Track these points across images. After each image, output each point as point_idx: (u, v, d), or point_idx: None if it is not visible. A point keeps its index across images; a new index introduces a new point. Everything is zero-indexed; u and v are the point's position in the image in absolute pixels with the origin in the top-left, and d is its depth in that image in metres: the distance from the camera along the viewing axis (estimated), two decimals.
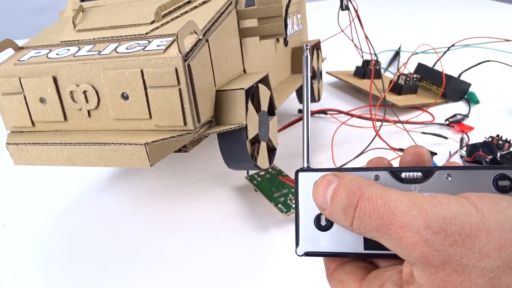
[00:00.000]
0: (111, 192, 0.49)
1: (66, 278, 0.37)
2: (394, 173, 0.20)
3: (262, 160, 0.41)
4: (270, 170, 0.47)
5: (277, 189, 0.43)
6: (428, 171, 0.20)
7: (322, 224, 0.21)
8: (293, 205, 0.40)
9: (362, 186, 0.18)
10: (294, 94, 0.66)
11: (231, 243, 0.39)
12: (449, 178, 0.20)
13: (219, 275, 0.36)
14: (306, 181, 0.22)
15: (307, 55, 0.23)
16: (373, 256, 0.21)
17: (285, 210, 0.40)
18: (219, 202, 0.45)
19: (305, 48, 0.23)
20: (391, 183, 0.20)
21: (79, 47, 0.36)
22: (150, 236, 0.42)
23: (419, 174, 0.20)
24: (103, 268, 0.38)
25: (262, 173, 0.46)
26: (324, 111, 0.64)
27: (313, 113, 0.62)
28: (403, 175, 0.20)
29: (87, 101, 0.34)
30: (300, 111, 0.67)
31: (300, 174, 0.22)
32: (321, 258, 0.23)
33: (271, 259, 0.37)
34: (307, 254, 0.21)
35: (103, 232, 0.43)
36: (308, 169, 0.22)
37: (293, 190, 0.42)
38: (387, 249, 0.18)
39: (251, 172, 0.47)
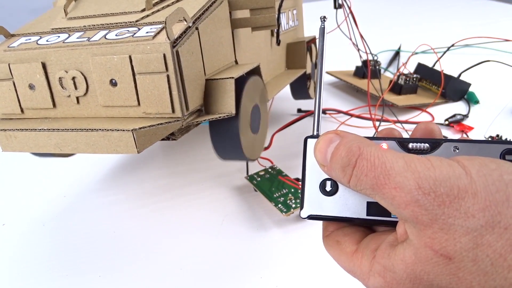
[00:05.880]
0: (111, 192, 0.50)
1: (66, 278, 0.37)
2: (401, 143, 0.21)
3: (252, 151, 0.42)
4: (270, 170, 0.47)
5: (277, 189, 0.43)
6: (436, 143, 0.20)
7: (327, 190, 0.21)
8: (293, 205, 0.40)
9: (361, 146, 0.19)
10: (290, 95, 0.66)
11: (231, 243, 0.40)
12: (456, 151, 0.20)
13: (219, 275, 0.36)
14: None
15: (324, 27, 0.23)
16: (374, 222, 0.21)
17: (285, 210, 0.40)
18: (219, 202, 0.45)
19: (322, 20, 0.24)
20: None
21: (69, 34, 0.36)
22: (150, 236, 0.42)
23: (426, 145, 0.20)
24: (103, 268, 0.38)
25: (262, 173, 0.47)
26: (323, 111, 0.64)
27: (311, 113, 0.62)
28: (410, 145, 0.21)
29: (75, 88, 0.34)
30: (300, 110, 0.67)
31: (309, 140, 0.23)
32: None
33: (271, 259, 0.37)
34: (311, 217, 0.22)
35: (103, 232, 0.43)
36: (318, 136, 0.22)
37: (292, 190, 0.42)
38: (389, 216, 0.19)
39: (251, 172, 0.47)
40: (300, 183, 0.43)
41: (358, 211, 0.21)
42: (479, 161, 0.17)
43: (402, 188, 0.17)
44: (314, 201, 0.22)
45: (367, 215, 0.21)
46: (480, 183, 0.16)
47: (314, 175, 0.22)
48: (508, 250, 0.16)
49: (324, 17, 0.24)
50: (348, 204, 0.21)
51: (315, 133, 0.23)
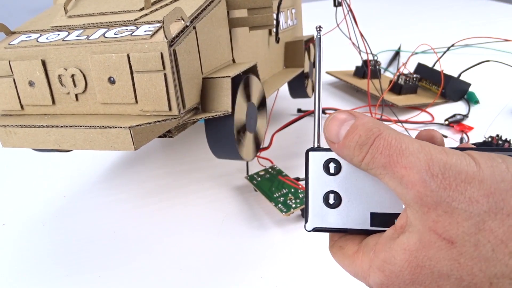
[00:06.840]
0: (111, 192, 0.50)
1: (66, 278, 0.37)
2: None
3: (247, 151, 0.42)
4: (270, 170, 0.47)
5: (277, 189, 0.43)
6: None
7: (331, 202, 0.22)
8: (293, 205, 0.40)
9: (381, 127, 0.19)
10: (288, 94, 0.66)
11: (231, 243, 0.40)
12: None
13: (219, 275, 0.36)
14: (316, 160, 0.22)
15: (320, 37, 0.24)
16: (378, 232, 0.21)
17: (285, 210, 0.40)
18: (219, 202, 0.45)
19: (318, 30, 0.24)
20: None
21: (68, 32, 0.36)
22: (150, 236, 0.42)
23: None
24: (103, 268, 0.38)
25: (262, 173, 0.46)
26: (322, 111, 0.64)
27: (311, 112, 0.62)
28: None
29: (75, 85, 0.35)
30: (300, 110, 0.67)
31: (310, 153, 0.23)
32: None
33: (271, 259, 0.37)
34: (316, 229, 0.22)
35: (103, 232, 0.43)
36: (319, 149, 0.23)
37: (292, 190, 0.42)
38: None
39: (251, 172, 0.47)
40: (300, 183, 0.43)
41: (362, 222, 0.21)
42: (487, 155, 0.18)
43: (412, 167, 0.17)
44: (318, 214, 0.22)
45: (371, 226, 0.21)
46: (487, 172, 0.17)
47: (317, 188, 0.22)
48: (510, 237, 0.16)
49: (320, 26, 0.24)
50: (352, 215, 0.21)
51: (315, 145, 0.23)
